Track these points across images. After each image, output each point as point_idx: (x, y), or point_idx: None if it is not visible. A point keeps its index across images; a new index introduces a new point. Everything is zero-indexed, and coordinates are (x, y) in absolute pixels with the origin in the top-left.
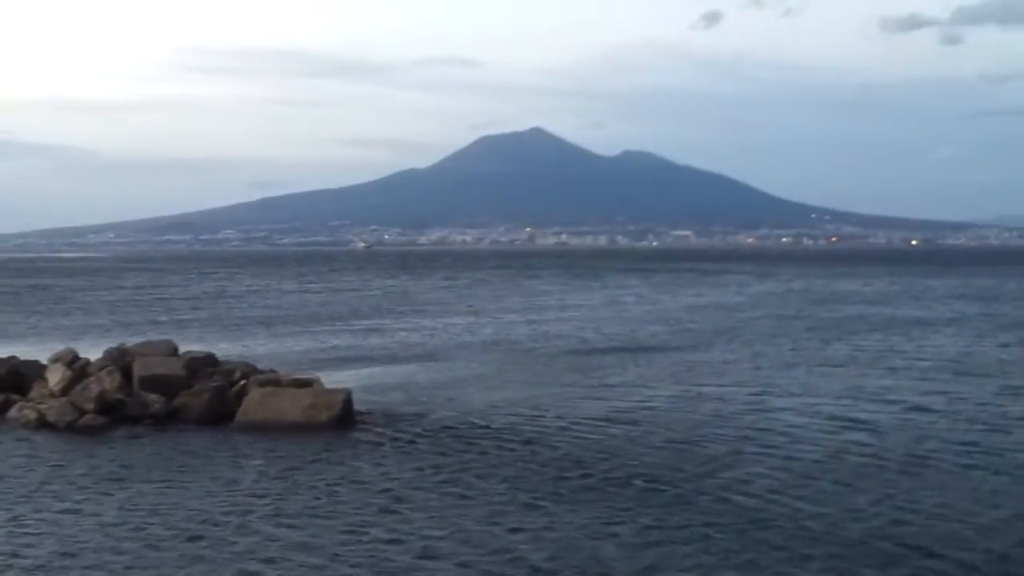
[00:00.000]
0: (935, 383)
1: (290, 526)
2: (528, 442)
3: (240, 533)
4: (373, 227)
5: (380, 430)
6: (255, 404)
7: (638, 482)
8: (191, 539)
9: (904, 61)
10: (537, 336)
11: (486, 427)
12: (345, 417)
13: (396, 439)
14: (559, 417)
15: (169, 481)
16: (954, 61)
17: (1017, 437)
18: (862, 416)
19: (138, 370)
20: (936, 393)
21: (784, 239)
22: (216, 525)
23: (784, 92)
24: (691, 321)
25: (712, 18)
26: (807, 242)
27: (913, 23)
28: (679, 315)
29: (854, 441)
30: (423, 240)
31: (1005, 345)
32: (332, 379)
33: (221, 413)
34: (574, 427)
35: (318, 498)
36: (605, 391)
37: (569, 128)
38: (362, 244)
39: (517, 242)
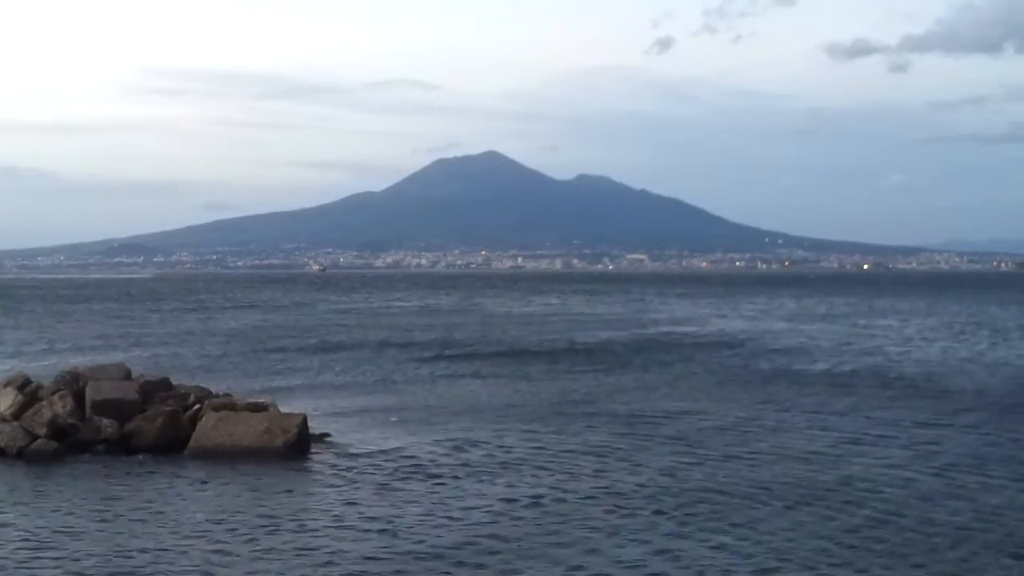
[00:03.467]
0: None
1: (222, 552)
2: (469, 475)
3: (160, 564)
4: (328, 250)
5: (334, 456)
6: (209, 429)
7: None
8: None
9: (853, 87)
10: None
11: (443, 456)
12: (300, 442)
13: (347, 467)
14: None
15: (104, 510)
16: (902, 88)
17: None
18: None
19: (91, 394)
20: None
21: (738, 263)
22: (138, 554)
23: (737, 117)
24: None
25: (665, 43)
26: (761, 266)
27: (860, 50)
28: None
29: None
30: (378, 263)
31: None
32: (289, 403)
33: (175, 438)
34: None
35: (252, 532)
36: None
37: (524, 152)
38: (317, 267)
39: (472, 265)
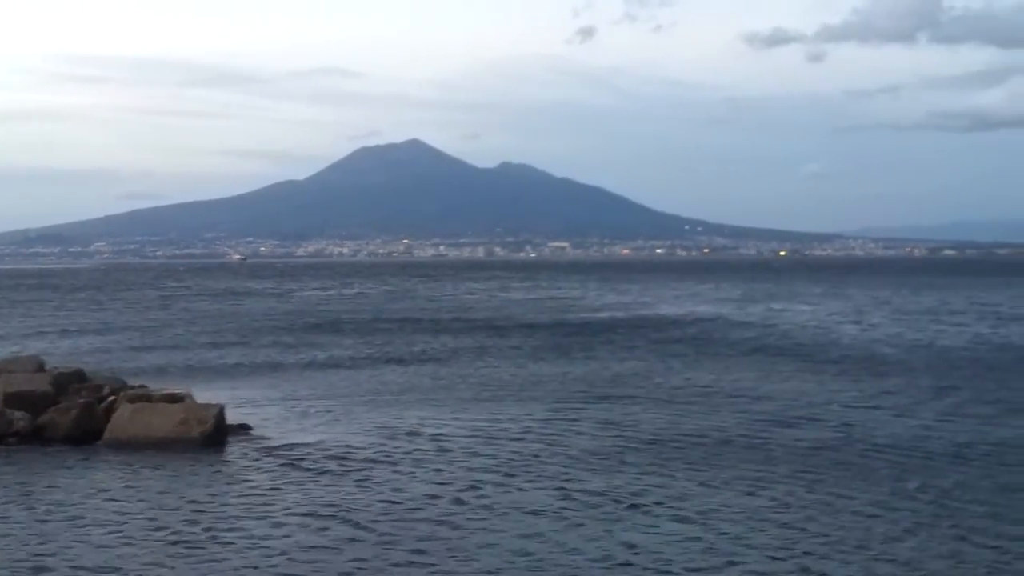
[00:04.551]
0: None
1: (132, 544)
2: (390, 465)
3: (70, 557)
4: (249, 239)
5: (252, 447)
6: (125, 420)
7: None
8: None
9: (771, 76)
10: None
11: (358, 449)
12: (217, 433)
13: (263, 458)
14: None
15: (15, 502)
16: (819, 77)
17: None
18: None
19: (2, 386)
20: None
21: (658, 250)
22: (48, 546)
23: (658, 106)
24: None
25: (587, 32)
26: (681, 253)
27: (778, 39)
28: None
29: None
30: (300, 252)
31: None
32: (207, 393)
33: (89, 430)
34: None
35: (164, 524)
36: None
37: (447, 140)
38: (237, 256)
39: (395, 254)
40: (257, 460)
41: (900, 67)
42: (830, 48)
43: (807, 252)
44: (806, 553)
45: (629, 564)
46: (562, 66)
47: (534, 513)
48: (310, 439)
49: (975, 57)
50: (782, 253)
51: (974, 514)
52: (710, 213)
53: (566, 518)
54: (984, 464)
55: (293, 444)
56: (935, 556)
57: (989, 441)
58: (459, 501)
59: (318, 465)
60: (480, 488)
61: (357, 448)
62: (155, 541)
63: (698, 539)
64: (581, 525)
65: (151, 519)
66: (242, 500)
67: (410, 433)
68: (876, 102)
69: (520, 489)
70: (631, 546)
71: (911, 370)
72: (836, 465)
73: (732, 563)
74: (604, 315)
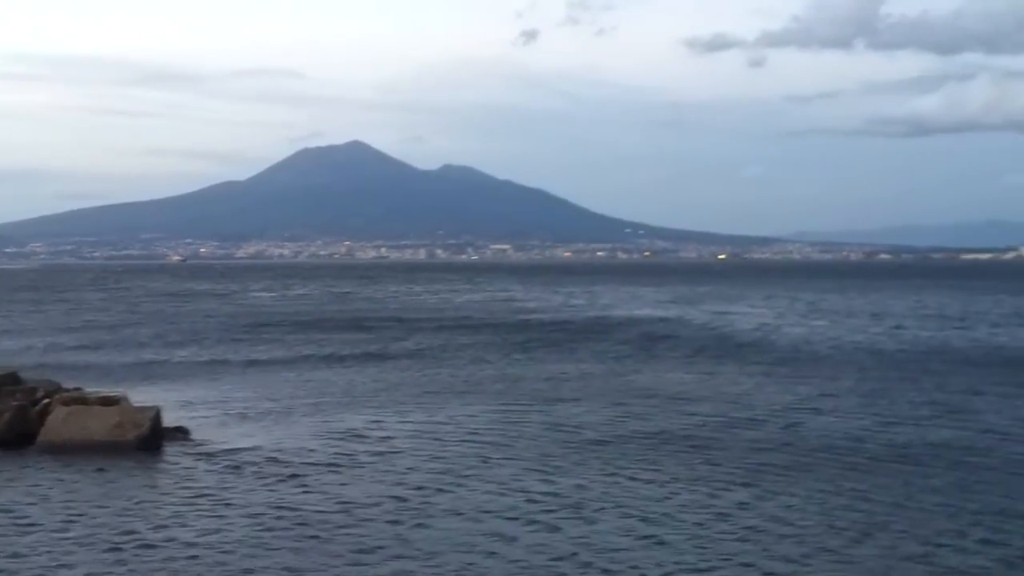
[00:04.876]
0: None
1: (64, 549)
2: (337, 468)
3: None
4: (188, 240)
5: (188, 450)
6: (59, 423)
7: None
8: None
9: (713, 81)
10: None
11: (300, 452)
12: (153, 436)
13: (199, 462)
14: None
15: None
16: (760, 82)
17: None
18: None
19: None
20: None
21: (600, 253)
22: None
23: (600, 109)
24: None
25: (530, 35)
26: (622, 256)
27: (719, 44)
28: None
29: None
30: (240, 254)
31: None
32: (144, 395)
33: (23, 433)
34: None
35: (95, 528)
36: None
37: (389, 142)
38: (177, 258)
39: (336, 256)
40: (195, 464)
41: (839, 73)
42: (770, 54)
43: (746, 255)
44: (755, 556)
45: (578, 567)
46: (505, 68)
47: (481, 515)
48: (250, 442)
49: (912, 64)
50: (722, 256)
51: (915, 515)
52: (651, 216)
53: (514, 520)
54: (923, 465)
55: (232, 448)
56: (880, 557)
57: (927, 442)
58: (405, 504)
59: (258, 469)
60: (426, 491)
61: (299, 451)
62: (90, 548)
63: (646, 542)
64: (529, 527)
65: (86, 525)
66: (179, 505)
67: (353, 435)
68: (815, 107)
69: (467, 492)
70: (579, 548)
71: (850, 371)
72: (780, 467)
73: (680, 566)
74: (547, 317)
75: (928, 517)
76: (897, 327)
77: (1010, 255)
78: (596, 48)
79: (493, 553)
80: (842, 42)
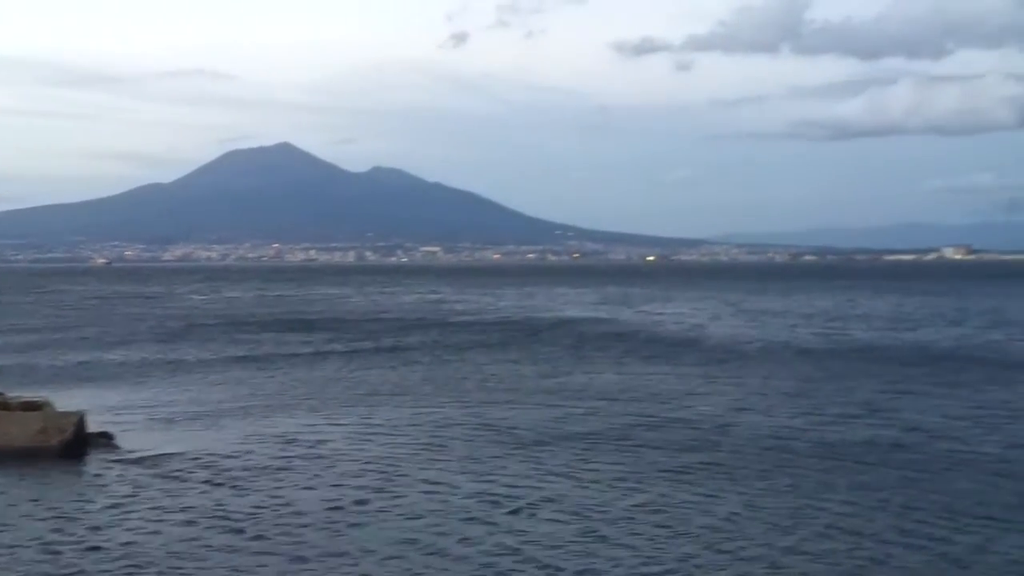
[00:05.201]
0: None
1: None
2: (268, 471)
3: None
4: (114, 243)
5: (112, 456)
6: None
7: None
8: None
9: (641, 84)
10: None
11: (228, 457)
12: (77, 442)
13: (121, 468)
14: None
15: None
16: (687, 86)
17: None
18: None
19: None
20: None
21: (530, 255)
22: None
23: (530, 112)
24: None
25: (460, 38)
26: (552, 258)
27: (646, 48)
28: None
29: None
30: (167, 257)
31: None
32: (69, 400)
33: None
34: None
35: (10, 533)
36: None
37: (319, 144)
38: (102, 261)
39: (264, 259)
40: (122, 471)
41: (764, 77)
42: (697, 58)
43: (674, 257)
44: (688, 552)
45: (512, 565)
46: (435, 70)
47: (417, 516)
48: (178, 447)
49: (836, 68)
50: (650, 258)
51: (843, 511)
52: (581, 218)
53: (447, 521)
54: (852, 463)
55: (161, 453)
56: (806, 553)
57: (856, 440)
58: (340, 506)
59: (187, 474)
60: (361, 492)
61: (228, 455)
62: (15, 558)
63: (582, 540)
64: (462, 527)
65: (11, 534)
66: (106, 512)
67: (285, 439)
68: (741, 111)
69: (402, 493)
70: (516, 547)
71: (779, 371)
72: (712, 465)
73: (614, 563)
74: (478, 318)
75: (856, 513)
76: (823, 327)
77: (931, 256)
78: (526, 51)
79: (430, 554)
80: (767, 47)
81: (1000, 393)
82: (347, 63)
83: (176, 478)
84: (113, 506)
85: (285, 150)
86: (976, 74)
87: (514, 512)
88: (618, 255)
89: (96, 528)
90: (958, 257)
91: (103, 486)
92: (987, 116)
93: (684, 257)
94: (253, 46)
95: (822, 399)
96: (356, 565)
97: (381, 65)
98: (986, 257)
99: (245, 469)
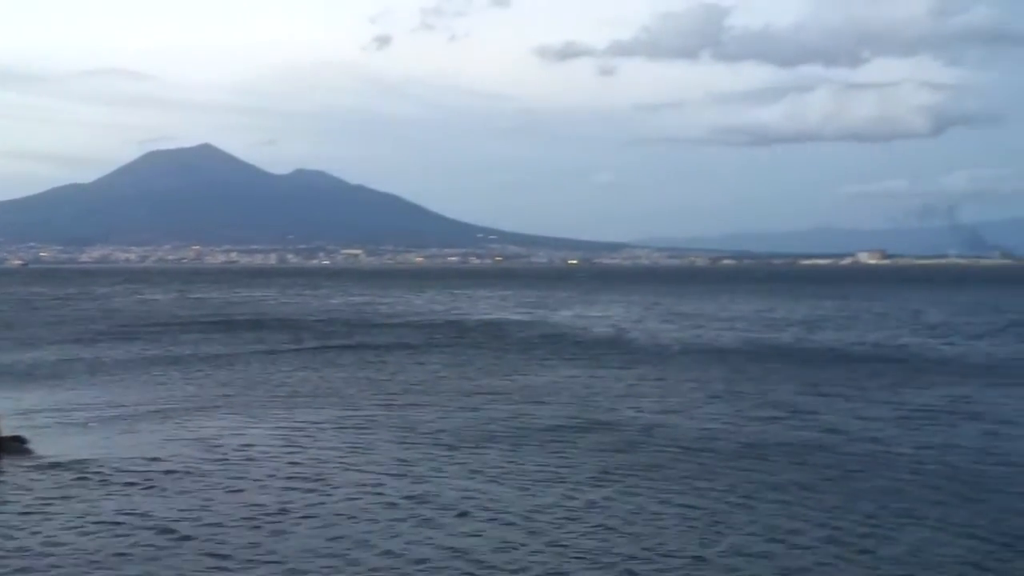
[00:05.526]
0: None
1: None
2: (192, 475)
3: None
4: (31, 244)
5: (28, 461)
6: None
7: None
8: None
9: (564, 89)
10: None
11: (147, 461)
12: None
13: (37, 473)
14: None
15: None
16: (610, 91)
17: None
18: None
19: None
20: None
21: (452, 258)
22: None
23: (453, 115)
24: None
25: (384, 40)
26: (474, 261)
27: (570, 53)
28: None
29: None
30: (84, 258)
31: None
32: None
33: None
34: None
35: None
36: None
37: (240, 145)
38: (18, 262)
39: (184, 260)
40: (39, 476)
41: (686, 83)
42: (620, 63)
43: (597, 260)
44: (609, 553)
45: (437, 566)
46: (358, 73)
47: (340, 519)
48: (96, 451)
49: (755, 75)
50: (573, 261)
51: (761, 512)
52: (504, 222)
53: (372, 523)
54: (770, 463)
55: (77, 458)
56: (731, 552)
57: (774, 441)
58: (263, 510)
59: (103, 478)
60: (284, 496)
61: (148, 459)
62: None
63: (505, 541)
64: (388, 528)
65: None
66: (22, 517)
67: (206, 442)
68: (663, 116)
69: (325, 496)
70: (439, 549)
71: (700, 372)
72: (634, 466)
73: (539, 564)
74: (400, 320)
75: (780, 512)
76: (744, 330)
77: (847, 261)
78: (449, 54)
79: (353, 557)
80: (688, 53)
81: (915, 395)
82: (270, 64)
83: (94, 482)
84: (28, 512)
85: (206, 151)
86: (891, 82)
87: (440, 514)
88: (540, 258)
89: (10, 536)
90: (873, 262)
91: (17, 492)
92: (902, 123)
93: (606, 261)
94: (175, 46)
95: (744, 401)
96: (279, 568)
97: (304, 67)
98: (900, 262)
99: (166, 473)
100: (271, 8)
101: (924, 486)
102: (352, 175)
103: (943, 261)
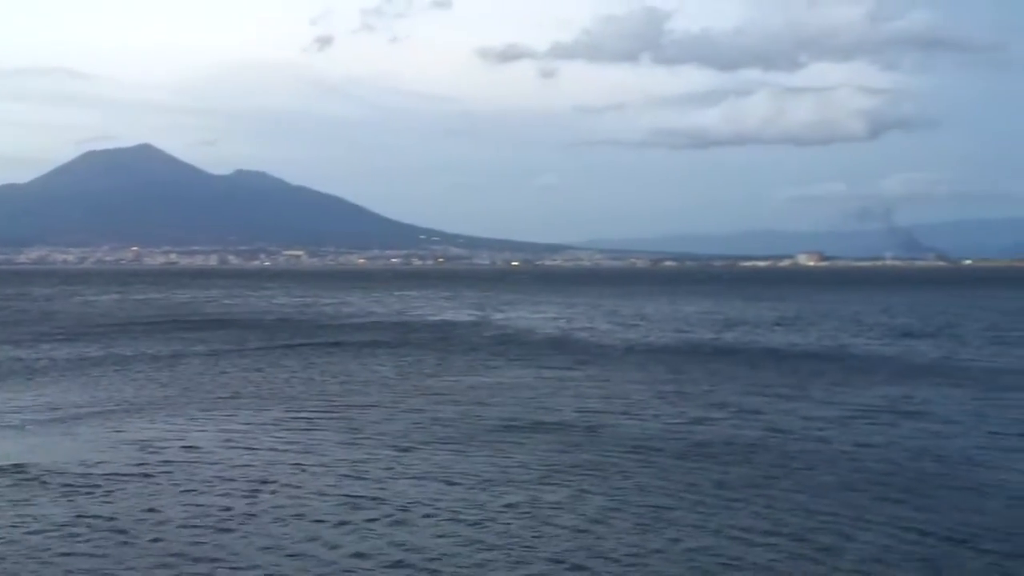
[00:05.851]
0: None
1: None
2: (139, 478)
3: None
4: None
5: None
6: None
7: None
8: None
9: (505, 91)
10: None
11: (91, 465)
12: None
13: None
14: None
15: None
16: (551, 93)
17: None
18: None
19: None
20: None
21: (394, 259)
22: None
23: (395, 116)
24: None
25: (325, 41)
26: (416, 262)
27: (512, 55)
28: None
29: None
30: (21, 259)
31: None
32: None
33: None
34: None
35: None
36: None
37: (180, 145)
38: None
39: (123, 261)
40: None
41: (627, 86)
42: (561, 65)
43: (539, 262)
44: (555, 553)
45: (379, 568)
46: (299, 73)
47: (287, 521)
48: (32, 454)
49: (694, 78)
50: (515, 263)
51: (707, 510)
52: (446, 223)
53: (314, 525)
54: (715, 462)
55: (11, 462)
56: (674, 551)
57: (719, 440)
58: (204, 512)
59: (41, 482)
60: (225, 498)
61: (86, 462)
62: None
63: (448, 542)
64: (330, 530)
65: None
66: None
67: (145, 443)
68: (604, 119)
69: (270, 497)
70: (381, 551)
71: (643, 373)
72: (577, 466)
73: (484, 564)
74: (342, 322)
75: (722, 510)
76: (685, 330)
77: (786, 263)
78: (391, 56)
79: (302, 558)
80: (629, 56)
81: (855, 394)
82: (210, 64)
83: (34, 486)
84: None
85: (145, 151)
86: (829, 86)
87: (383, 515)
88: (483, 260)
89: None
90: (811, 264)
91: None
92: (839, 127)
93: (548, 262)
94: (114, 45)
95: (689, 401)
96: (229, 567)
97: (245, 67)
98: (838, 264)
99: (109, 475)
100: (212, 8)
101: (868, 483)
102: (293, 176)
103: (880, 263)
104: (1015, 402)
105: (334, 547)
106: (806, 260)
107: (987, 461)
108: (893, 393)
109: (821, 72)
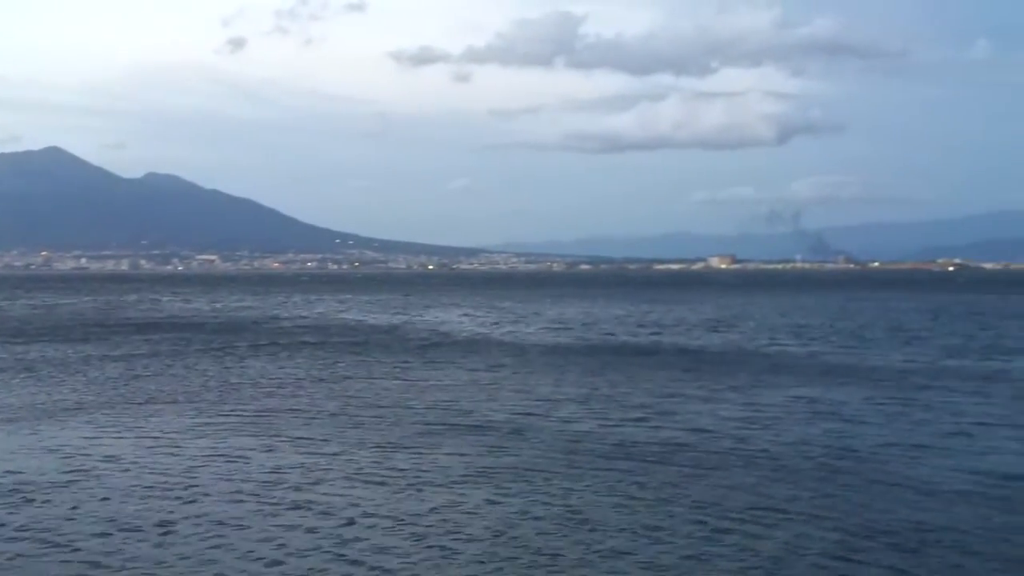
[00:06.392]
0: None
1: None
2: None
3: None
4: None
5: None
6: None
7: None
8: None
9: (419, 94)
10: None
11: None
12: None
13: None
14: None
15: None
16: (465, 96)
17: None
18: None
19: None
20: None
21: (309, 264)
22: None
23: (309, 119)
24: None
25: (238, 43)
26: (332, 267)
27: (425, 58)
28: None
29: None
30: None
31: None
32: None
33: None
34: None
35: None
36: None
37: (89, 148)
38: None
39: (32, 267)
40: None
41: (540, 90)
42: (475, 69)
43: (454, 266)
44: (477, 556)
45: (304, 573)
46: (212, 75)
47: (221, 526)
48: None
49: (608, 83)
50: (431, 267)
51: (627, 511)
52: (361, 227)
53: (246, 529)
54: (635, 462)
55: None
56: (602, 551)
57: (641, 441)
58: (129, 519)
59: None
60: (149, 504)
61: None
62: None
63: (373, 545)
64: (254, 535)
65: None
66: None
67: (59, 450)
68: (518, 122)
69: (200, 504)
70: (304, 554)
71: (565, 376)
72: (502, 468)
73: (407, 567)
74: (259, 326)
75: (647, 508)
76: (603, 332)
77: (699, 266)
78: (305, 58)
79: (231, 566)
80: (543, 60)
81: (768, 394)
82: (120, 65)
83: None
84: None
85: (54, 154)
86: (738, 91)
87: (316, 518)
88: (398, 264)
89: None
90: (723, 266)
91: None
92: (749, 132)
93: (464, 266)
94: (19, 44)
95: (608, 401)
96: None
97: (156, 68)
98: (749, 266)
99: (23, 484)
100: (122, 7)
101: (784, 481)
102: (206, 179)
103: (790, 266)
104: (922, 401)
105: (247, 554)
106: (718, 263)
107: (897, 457)
108: (803, 393)
109: (731, 77)
